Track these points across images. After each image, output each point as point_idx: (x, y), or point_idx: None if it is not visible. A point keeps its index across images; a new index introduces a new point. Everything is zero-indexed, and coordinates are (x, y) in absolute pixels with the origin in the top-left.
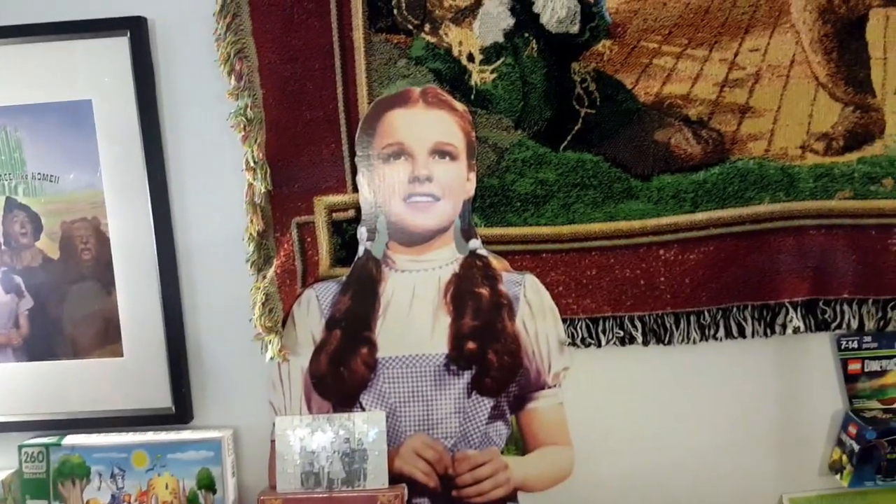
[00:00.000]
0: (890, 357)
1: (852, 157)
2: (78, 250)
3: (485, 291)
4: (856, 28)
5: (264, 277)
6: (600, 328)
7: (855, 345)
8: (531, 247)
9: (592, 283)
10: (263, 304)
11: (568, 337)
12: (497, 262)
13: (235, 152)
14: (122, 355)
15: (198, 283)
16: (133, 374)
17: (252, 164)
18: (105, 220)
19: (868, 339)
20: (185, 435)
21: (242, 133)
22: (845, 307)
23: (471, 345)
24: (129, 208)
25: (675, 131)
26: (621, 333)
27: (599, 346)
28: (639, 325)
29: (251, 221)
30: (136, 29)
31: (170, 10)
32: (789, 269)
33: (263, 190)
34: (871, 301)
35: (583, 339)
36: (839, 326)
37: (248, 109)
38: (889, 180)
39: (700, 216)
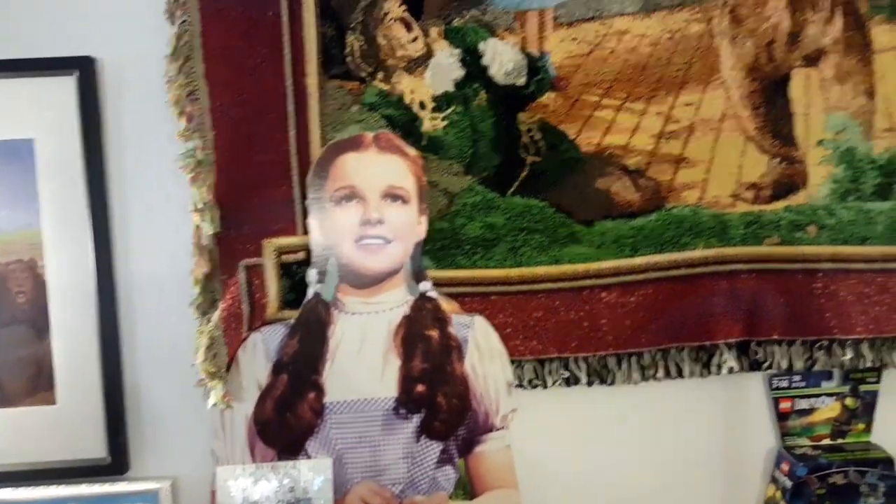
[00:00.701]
0: (817, 395)
1: (779, 205)
2: (12, 293)
3: (435, 334)
4: (780, 86)
5: (209, 321)
6: (546, 370)
7: (785, 384)
8: (480, 289)
9: (539, 325)
10: (207, 348)
11: (515, 379)
12: (447, 305)
13: (183, 194)
14: (54, 403)
15: (139, 327)
16: (66, 422)
17: (200, 206)
18: (42, 262)
19: (797, 378)
20: (121, 487)
21: (191, 175)
22: (775, 348)
23: (420, 388)
24: (68, 249)
25: (616, 179)
26: (566, 374)
27: (545, 387)
28: (583, 366)
29: (197, 264)
30: (84, 69)
31: (121, 52)
32: (723, 312)
33: (211, 232)
34: (799, 342)
35: (530, 381)
36: (770, 366)
37: (198, 151)
38: (813, 227)
39: (639, 260)
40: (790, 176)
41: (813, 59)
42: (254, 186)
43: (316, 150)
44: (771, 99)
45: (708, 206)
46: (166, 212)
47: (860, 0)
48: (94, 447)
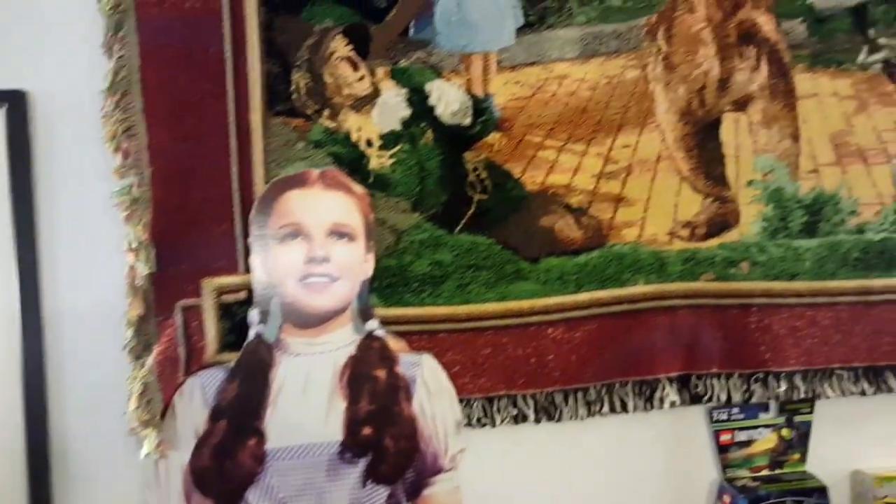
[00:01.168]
0: (755, 427)
1: (713, 243)
2: None
3: (382, 374)
4: (711, 129)
5: (143, 366)
6: (495, 407)
7: (725, 416)
8: (428, 327)
9: (487, 363)
10: (140, 394)
11: (464, 417)
12: (394, 343)
13: (118, 232)
14: None
15: (66, 374)
16: None
17: (135, 244)
18: None
19: (736, 410)
20: None
21: (126, 212)
22: (714, 381)
23: (367, 430)
24: None
25: (559, 217)
26: (515, 412)
27: (494, 425)
28: (531, 402)
29: (131, 305)
30: (14, 102)
31: (54, 86)
32: (664, 346)
33: (146, 272)
34: (736, 375)
35: (478, 420)
36: (710, 399)
37: (134, 188)
38: (745, 264)
39: (583, 297)
40: (723, 215)
41: (741, 105)
42: (193, 224)
43: (259, 186)
44: (703, 141)
45: (647, 243)
46: (99, 251)
47: (784, 49)
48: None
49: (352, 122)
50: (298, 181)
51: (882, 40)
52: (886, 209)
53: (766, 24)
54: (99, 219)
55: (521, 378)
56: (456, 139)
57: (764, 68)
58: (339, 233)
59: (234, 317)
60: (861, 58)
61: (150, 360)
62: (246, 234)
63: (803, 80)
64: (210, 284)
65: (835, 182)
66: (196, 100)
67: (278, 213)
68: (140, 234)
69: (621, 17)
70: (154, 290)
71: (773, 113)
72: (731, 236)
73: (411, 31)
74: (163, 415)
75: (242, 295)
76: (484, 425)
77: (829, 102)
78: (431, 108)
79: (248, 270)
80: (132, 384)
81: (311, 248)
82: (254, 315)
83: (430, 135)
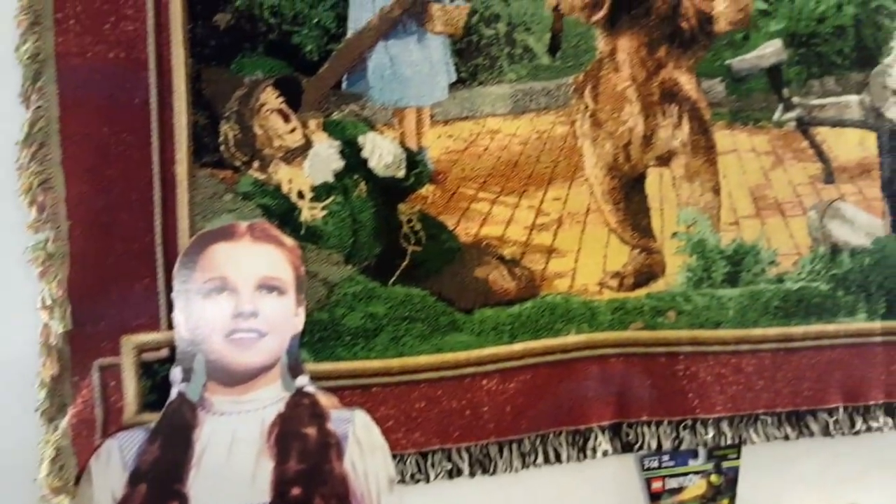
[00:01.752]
0: (685, 474)
1: (641, 292)
2: None
3: (312, 431)
4: (637, 183)
5: (56, 429)
6: (429, 462)
7: (656, 464)
8: (361, 381)
9: (422, 416)
10: (53, 460)
11: (397, 474)
12: (326, 399)
13: (32, 289)
14: None
15: None
16: None
17: (49, 302)
18: None
19: (666, 457)
20: None
21: (41, 268)
22: (645, 429)
23: (296, 490)
24: None
25: (493, 269)
26: (449, 466)
27: (428, 481)
28: (465, 456)
29: (44, 365)
30: None
31: None
32: (596, 395)
33: (61, 330)
34: (666, 422)
35: (412, 475)
36: (641, 447)
37: (50, 243)
38: (672, 313)
39: (517, 347)
40: (650, 265)
41: (665, 160)
42: (113, 279)
43: (184, 240)
44: (629, 195)
45: (578, 293)
46: (11, 308)
47: (704, 107)
48: None
49: (283, 174)
50: (225, 234)
51: (795, 99)
52: (804, 259)
53: (687, 83)
54: (12, 274)
55: (455, 431)
56: (390, 191)
57: (686, 125)
58: (268, 286)
59: (155, 375)
60: (776, 116)
61: (65, 422)
62: (169, 290)
63: (723, 137)
64: (130, 342)
65: (754, 233)
66: (119, 151)
67: (204, 266)
68: (55, 290)
69: (550, 75)
70: (70, 348)
71: (695, 168)
72: (657, 286)
73: (344, 85)
74: (77, 480)
75: (164, 352)
76: (418, 481)
77: (748, 158)
78: (365, 161)
79: (170, 327)
80: (44, 448)
81: (238, 303)
82: (176, 373)
83: (363, 187)
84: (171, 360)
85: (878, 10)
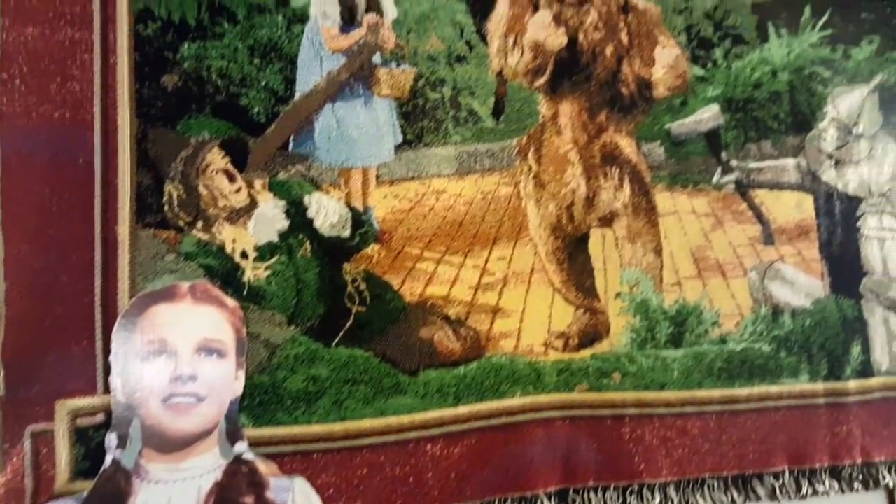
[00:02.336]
0: None
1: (586, 353)
2: None
3: (250, 501)
4: (581, 243)
5: None
6: None
7: None
8: (302, 447)
9: (364, 484)
10: None
11: None
12: (265, 467)
13: None
14: None
15: None
16: None
17: None
18: None
19: None
20: None
21: None
22: (592, 494)
23: None
24: None
25: (438, 329)
26: None
27: None
28: None
29: None
30: None
31: None
32: (541, 460)
33: None
34: (612, 487)
35: None
36: None
37: None
38: (617, 374)
39: (462, 410)
40: (594, 326)
41: (608, 221)
42: (50, 342)
43: (124, 301)
44: (573, 255)
45: (523, 354)
46: None
47: (645, 170)
48: None
49: (226, 234)
50: (166, 295)
51: (734, 162)
52: (746, 320)
53: (627, 146)
54: None
55: (398, 499)
56: (335, 251)
57: (627, 187)
58: (208, 349)
59: (89, 442)
60: (715, 178)
61: None
62: (107, 352)
63: (664, 199)
64: (64, 407)
65: (697, 294)
66: (61, 211)
67: (143, 328)
68: None
69: (494, 137)
70: (2, 414)
71: (636, 229)
72: (602, 347)
73: (291, 145)
74: None
75: (100, 418)
76: None
77: (688, 219)
78: (310, 221)
79: (107, 391)
80: None
81: (177, 366)
82: (111, 439)
83: (308, 246)
84: (106, 425)
85: (811, 76)
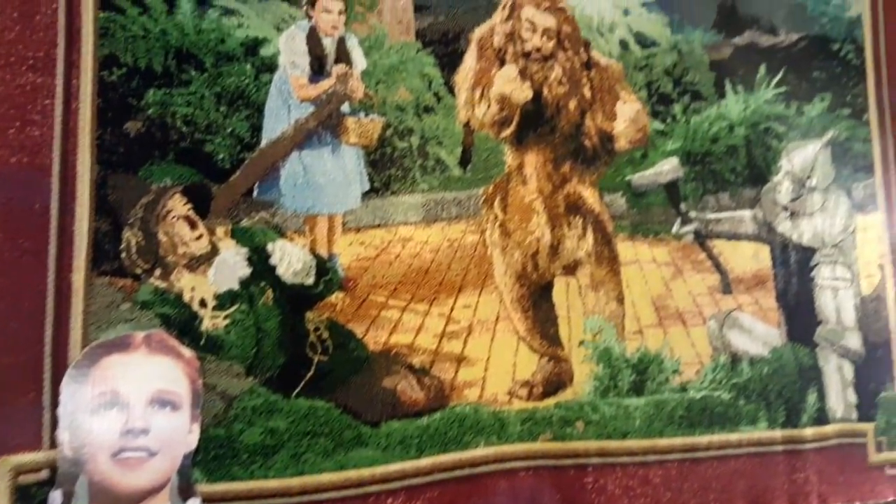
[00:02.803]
0: None
1: (550, 402)
2: None
3: None
4: (545, 291)
5: None
6: None
7: None
8: (257, 503)
9: None
10: None
11: None
12: None
13: None
14: None
15: None
16: None
17: None
18: None
19: None
20: None
21: None
22: None
23: None
24: None
25: (402, 378)
26: None
27: None
28: None
29: None
30: None
31: None
32: None
33: None
34: None
35: None
36: None
37: None
38: (580, 423)
39: (425, 462)
40: (558, 374)
41: (571, 269)
42: None
43: (75, 351)
44: (538, 303)
45: (487, 403)
46: None
47: (607, 220)
48: None
49: (185, 282)
50: (120, 345)
51: (692, 213)
52: (706, 368)
53: (590, 196)
54: None
55: None
56: (297, 299)
57: (590, 236)
58: (161, 401)
59: (31, 500)
60: (675, 229)
61: None
62: (55, 405)
63: (625, 248)
64: (7, 463)
65: (658, 342)
66: (13, 258)
67: (95, 379)
68: None
69: (461, 186)
70: None
71: (599, 277)
72: (566, 395)
73: (256, 192)
74: None
75: (44, 474)
76: None
77: (649, 268)
78: (273, 268)
79: (53, 446)
80: None
81: (128, 419)
82: (56, 497)
83: (269, 294)
84: (51, 482)
85: (766, 131)
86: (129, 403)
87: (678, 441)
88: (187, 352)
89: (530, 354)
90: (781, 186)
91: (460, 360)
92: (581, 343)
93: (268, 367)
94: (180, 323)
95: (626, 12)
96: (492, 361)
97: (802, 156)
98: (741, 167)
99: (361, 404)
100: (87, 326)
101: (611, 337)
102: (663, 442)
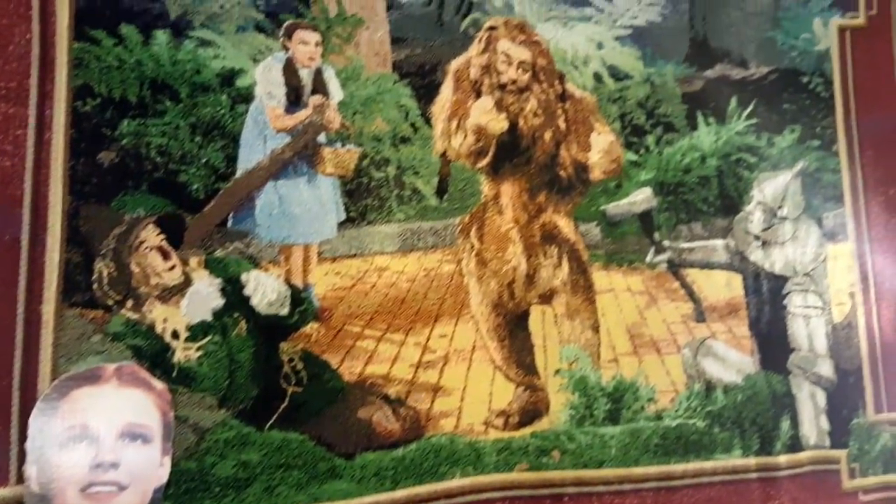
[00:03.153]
0: None
1: (526, 431)
2: None
3: None
4: (521, 320)
5: None
6: None
7: None
8: None
9: None
10: None
11: None
12: None
13: None
14: None
15: None
16: None
17: None
18: None
19: None
20: None
21: None
22: None
23: None
24: None
25: (377, 409)
26: None
27: None
28: None
29: None
30: None
31: None
32: None
33: None
34: None
35: None
36: None
37: None
38: (556, 452)
39: (400, 494)
40: (534, 403)
41: (547, 298)
42: None
43: (45, 384)
44: (514, 332)
45: (463, 433)
46: None
47: (582, 249)
48: None
49: (157, 313)
50: (90, 377)
51: (666, 243)
52: (680, 396)
53: (565, 226)
54: None
55: None
56: (272, 330)
57: (565, 265)
58: (132, 434)
59: None
60: (649, 258)
61: None
62: (23, 439)
63: (600, 277)
64: None
65: (633, 371)
66: None
67: (64, 413)
68: None
69: (438, 215)
70: None
71: (575, 306)
72: (542, 425)
73: (230, 222)
74: None
75: None
76: None
77: (624, 297)
78: (247, 299)
79: (20, 481)
80: None
81: (98, 453)
82: None
83: (243, 325)
84: None
85: (738, 162)
86: (98, 437)
87: (654, 470)
88: (159, 384)
89: (506, 384)
90: (753, 216)
91: (436, 389)
92: (557, 372)
93: (241, 398)
94: (152, 354)
95: (599, 46)
96: (468, 391)
97: (773, 186)
98: (713, 197)
99: (336, 436)
100: (57, 359)
101: (586, 365)
102: (639, 470)
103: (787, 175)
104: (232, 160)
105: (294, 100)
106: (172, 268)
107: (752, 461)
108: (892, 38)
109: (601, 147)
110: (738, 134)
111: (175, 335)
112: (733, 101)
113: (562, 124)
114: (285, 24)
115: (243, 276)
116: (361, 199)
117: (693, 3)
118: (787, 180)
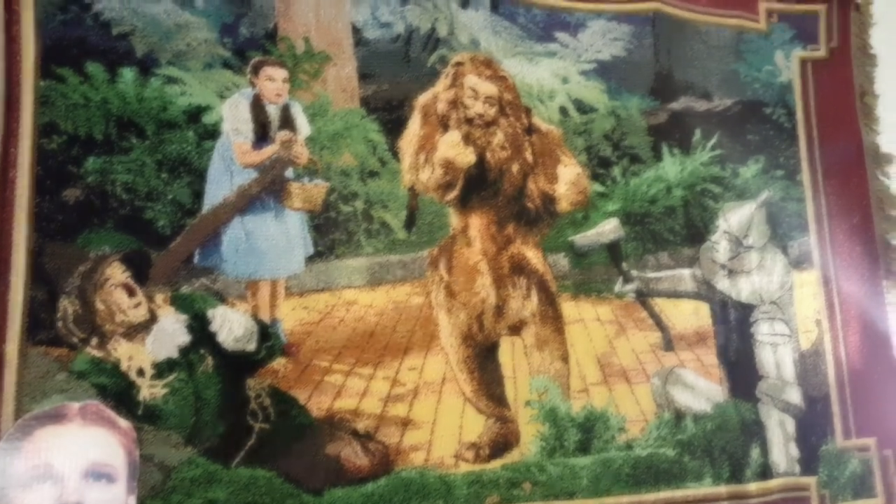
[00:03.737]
0: None
1: (497, 463)
2: None
3: None
4: (491, 352)
5: None
6: None
7: None
8: None
9: None
10: None
11: None
12: None
13: None
14: None
15: None
16: None
17: None
18: None
19: None
20: None
21: None
22: None
23: None
24: None
25: (346, 444)
26: None
27: None
28: None
29: None
30: None
31: None
32: None
33: None
34: None
35: None
36: None
37: None
38: (527, 484)
39: None
40: (505, 435)
41: (516, 329)
42: None
43: (8, 424)
44: (484, 364)
45: (434, 467)
46: None
47: (551, 280)
48: None
49: (122, 351)
50: (54, 416)
51: (634, 272)
52: (650, 425)
53: (534, 257)
54: None
55: None
56: (238, 366)
57: (534, 296)
58: (96, 474)
59: None
60: (617, 288)
61: None
62: None
63: (569, 307)
64: None
65: (603, 400)
66: None
67: (27, 453)
68: None
69: (406, 248)
70: None
71: (544, 337)
72: (512, 457)
73: (196, 258)
74: None
75: None
76: None
77: (593, 327)
78: (213, 335)
79: None
80: None
81: (62, 493)
82: None
83: (209, 362)
84: None
85: (703, 192)
86: (62, 476)
87: (625, 499)
88: (124, 422)
89: (476, 416)
90: (719, 245)
91: (406, 423)
92: (527, 403)
93: (207, 436)
94: (117, 393)
95: (564, 80)
96: (438, 424)
97: (739, 215)
98: (680, 227)
99: (304, 472)
100: (20, 397)
101: (557, 396)
102: (610, 500)
103: (752, 205)
104: (198, 196)
105: (261, 135)
106: (138, 305)
107: (722, 489)
108: (852, 68)
109: (568, 179)
110: (703, 165)
111: (141, 373)
112: (698, 133)
113: (529, 157)
114: (252, 61)
115: (209, 312)
116: (330, 233)
117: (657, 37)
118: (753, 210)
